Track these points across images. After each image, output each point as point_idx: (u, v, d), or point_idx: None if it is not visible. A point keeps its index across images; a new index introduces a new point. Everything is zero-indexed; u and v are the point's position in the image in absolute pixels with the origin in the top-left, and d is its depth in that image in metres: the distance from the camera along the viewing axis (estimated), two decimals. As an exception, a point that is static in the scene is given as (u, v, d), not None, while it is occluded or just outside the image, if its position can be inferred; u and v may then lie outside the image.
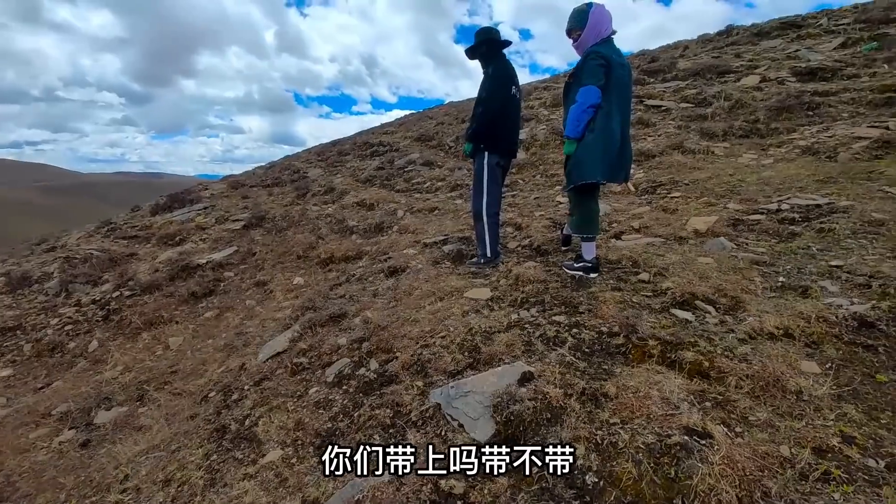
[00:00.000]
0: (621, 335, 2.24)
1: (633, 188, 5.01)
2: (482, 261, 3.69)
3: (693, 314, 2.37)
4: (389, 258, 4.81)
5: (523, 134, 7.75)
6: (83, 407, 3.70)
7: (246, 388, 3.17)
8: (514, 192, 6.05)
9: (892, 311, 2.10)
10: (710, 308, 2.38)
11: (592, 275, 3.01)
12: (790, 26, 11.45)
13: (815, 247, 2.85)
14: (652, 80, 9.50)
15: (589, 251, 3.02)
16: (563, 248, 3.70)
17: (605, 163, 2.79)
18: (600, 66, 2.69)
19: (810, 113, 6.41)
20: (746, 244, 3.06)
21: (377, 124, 15.33)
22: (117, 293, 5.69)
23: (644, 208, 4.19)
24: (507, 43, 3.62)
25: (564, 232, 3.71)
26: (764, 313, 2.25)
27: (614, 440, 1.65)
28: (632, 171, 5.30)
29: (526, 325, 2.57)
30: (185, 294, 5.58)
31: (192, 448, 2.57)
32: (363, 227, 6.19)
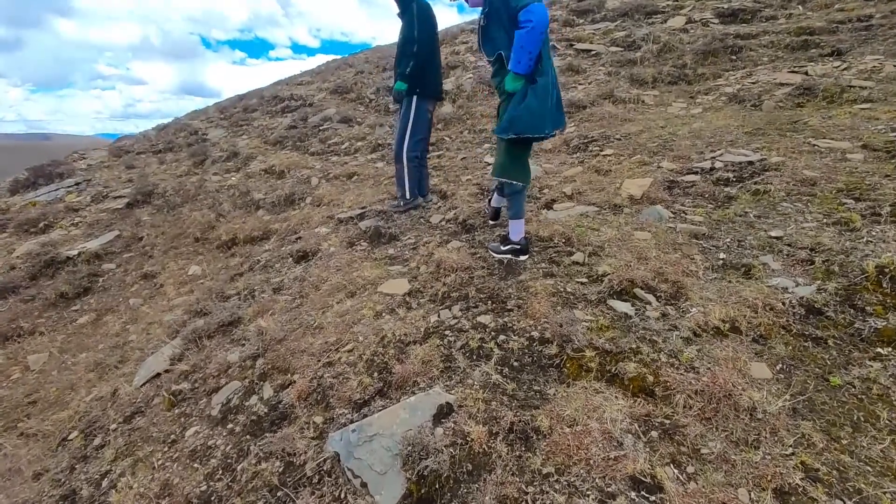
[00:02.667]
0: (555, 343, 1.89)
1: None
2: (401, 203, 3.78)
3: (633, 306, 2.07)
4: (300, 238, 4.18)
5: (448, 84, 7.08)
6: None
7: (112, 427, 2.55)
8: (440, 152, 5.49)
9: (839, 293, 1.91)
10: (650, 297, 2.09)
11: (522, 257, 2.63)
12: (712, -36, 11.28)
13: (752, 212, 2.65)
14: (581, 20, 9.01)
15: (517, 231, 2.62)
16: (492, 223, 3.29)
17: (554, 112, 2.38)
18: None
19: (733, 57, 6.30)
20: (683, 213, 2.81)
21: (299, 72, 13.67)
22: (-43, 302, 4.58)
23: (576, 169, 3.85)
24: None
25: (493, 204, 3.28)
26: (708, 302, 1.99)
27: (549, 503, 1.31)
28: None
29: (446, 332, 2.15)
30: (51, 296, 4.61)
31: (23, 532, 1.98)
32: (271, 199, 5.39)
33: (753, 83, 5.18)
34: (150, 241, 5.40)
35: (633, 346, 1.79)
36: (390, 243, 3.45)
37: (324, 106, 8.23)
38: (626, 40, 7.58)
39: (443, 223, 3.56)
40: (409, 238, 3.42)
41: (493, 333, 2.06)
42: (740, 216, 2.65)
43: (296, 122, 7.80)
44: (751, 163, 3.21)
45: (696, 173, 3.28)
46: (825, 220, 2.41)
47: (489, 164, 4.77)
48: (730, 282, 2.12)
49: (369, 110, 7.81)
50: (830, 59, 5.32)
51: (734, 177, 3.09)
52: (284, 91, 9.76)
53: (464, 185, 4.20)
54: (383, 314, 2.51)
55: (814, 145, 3.32)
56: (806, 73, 4.95)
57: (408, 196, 3.76)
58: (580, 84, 6.39)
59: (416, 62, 3.39)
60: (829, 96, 4.26)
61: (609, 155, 4.00)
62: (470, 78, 7.13)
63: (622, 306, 2.08)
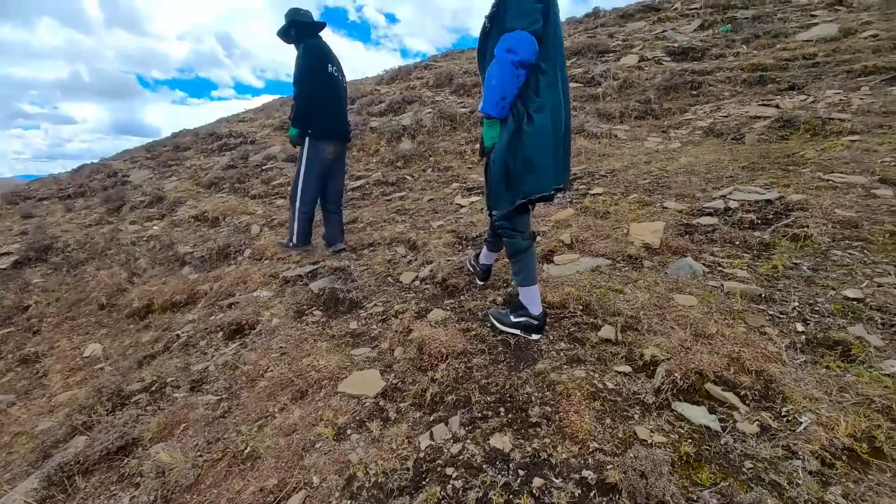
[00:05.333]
0: (624, 492, 1.22)
1: None
2: (289, 245, 3.73)
3: (712, 412, 1.46)
4: (234, 305, 3.31)
5: (406, 119, 6.57)
6: None
7: None
8: (403, 194, 4.86)
9: None
10: (733, 398, 1.49)
11: (535, 336, 1.98)
12: (650, 9, 11.90)
13: (804, 264, 2.18)
14: (536, 58, 8.95)
15: (532, 299, 1.97)
16: (480, 283, 2.63)
17: (558, 160, 1.75)
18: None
19: (694, 92, 6.28)
20: (719, 266, 2.30)
21: (243, 110, 12.77)
22: None
23: (567, 211, 3.33)
24: (319, 25, 3.44)
25: (483, 260, 2.61)
26: (818, 404, 1.42)
27: None
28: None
29: (448, 470, 1.43)
30: None
31: None
32: (201, 253, 4.47)
33: (725, 117, 5.04)
34: (39, 311, 4.27)
35: (753, 498, 1.15)
36: (351, 312, 2.71)
37: (267, 143, 7.44)
38: (584, 76, 7.49)
39: (417, 283, 2.86)
40: (376, 305, 2.69)
41: (521, 473, 1.36)
42: (791, 269, 2.16)
43: (235, 161, 6.94)
44: (769, 202, 2.81)
45: (710, 214, 2.84)
46: (902, 274, 1.96)
47: (461, 206, 4.18)
48: (827, 367, 1.57)
49: (319, 148, 7.11)
50: (792, 92, 5.32)
51: (759, 219, 2.66)
52: (223, 128, 8.87)
53: (436, 233, 3.56)
54: (348, 432, 1.75)
55: (827, 180, 3.00)
56: (777, 107, 4.86)
57: (294, 241, 3.69)
58: (547, 119, 6.08)
59: (299, 108, 3.35)
60: (811, 129, 4.09)
61: (600, 194, 3.53)
62: (429, 112, 6.66)
63: (698, 414, 1.46)
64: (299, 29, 3.34)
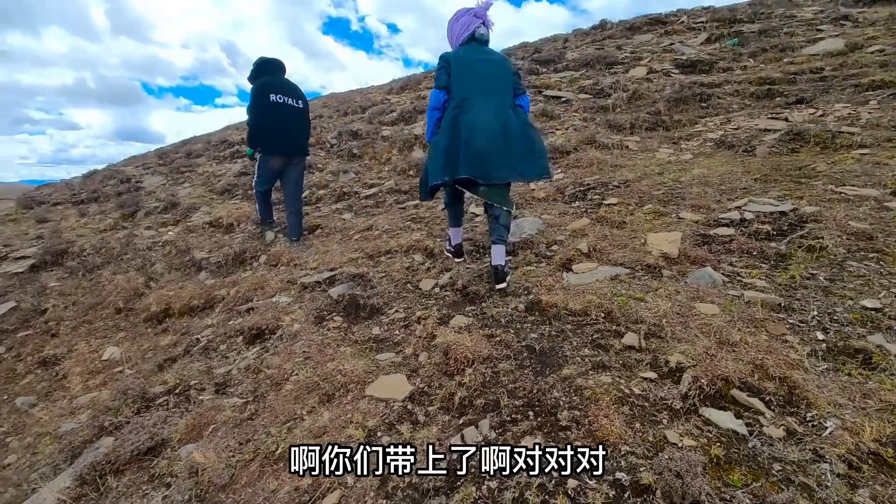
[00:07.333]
0: (658, 492, 1.26)
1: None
2: (259, 223, 4.81)
3: (740, 418, 1.49)
4: (252, 310, 3.37)
5: (418, 129, 6.67)
6: None
7: None
8: (417, 202, 4.93)
9: None
10: (758, 403, 1.53)
11: (457, 259, 3.15)
12: (657, 22, 12.05)
13: (821, 275, 2.22)
14: (545, 69, 9.08)
15: (454, 235, 3.18)
16: (498, 287, 2.68)
17: (451, 159, 2.51)
18: (440, 68, 2.61)
19: (704, 104, 6.35)
20: (738, 276, 2.34)
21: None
22: None
23: (583, 221, 3.38)
24: (273, 65, 4.36)
25: (493, 262, 2.69)
26: (842, 410, 1.45)
27: None
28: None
29: (483, 474, 1.46)
30: None
31: None
32: (217, 259, 4.53)
33: (735, 129, 5.10)
34: (57, 315, 4.33)
35: (786, 498, 1.18)
36: (372, 318, 2.75)
37: (279, 151, 7.53)
38: (594, 88, 7.59)
39: (437, 290, 2.91)
40: (397, 311, 2.74)
41: (555, 475, 1.39)
42: (808, 279, 2.20)
43: (247, 168, 7.03)
44: (784, 213, 2.86)
45: (726, 225, 2.88)
46: (920, 286, 2.00)
47: (476, 215, 4.24)
48: (849, 375, 1.61)
49: (331, 156, 7.21)
50: (801, 106, 5.39)
51: (774, 230, 2.71)
52: (234, 136, 9.00)
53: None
54: (378, 434, 1.78)
55: (839, 192, 3.05)
56: (786, 120, 4.92)
57: (258, 219, 4.80)
58: (557, 129, 6.16)
59: (249, 131, 4.32)
60: (821, 142, 4.15)
61: (615, 204, 3.58)
62: (440, 122, 6.75)
63: (725, 419, 1.50)
64: (256, 71, 4.31)
